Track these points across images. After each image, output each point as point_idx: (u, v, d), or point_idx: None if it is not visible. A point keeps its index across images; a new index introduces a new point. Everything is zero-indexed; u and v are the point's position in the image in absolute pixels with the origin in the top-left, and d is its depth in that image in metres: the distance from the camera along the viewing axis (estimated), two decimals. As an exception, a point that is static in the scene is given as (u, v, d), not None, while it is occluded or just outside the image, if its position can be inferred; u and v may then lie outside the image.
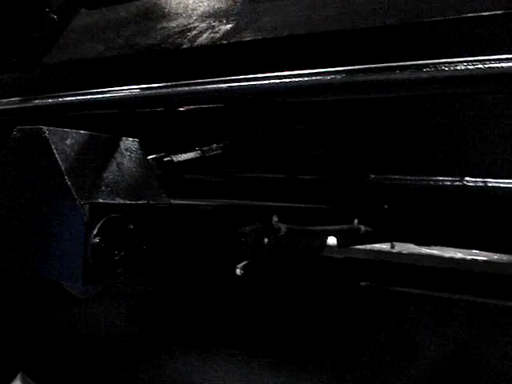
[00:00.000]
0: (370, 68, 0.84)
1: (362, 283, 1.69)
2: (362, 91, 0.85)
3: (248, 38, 1.55)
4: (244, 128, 1.57)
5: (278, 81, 0.94)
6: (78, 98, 1.21)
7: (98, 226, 0.86)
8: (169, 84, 1.09)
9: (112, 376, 2.56)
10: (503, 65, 0.74)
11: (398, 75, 0.80)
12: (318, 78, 0.88)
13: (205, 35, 1.67)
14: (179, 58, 1.69)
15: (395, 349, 1.90)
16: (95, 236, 0.85)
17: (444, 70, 0.76)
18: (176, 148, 1.25)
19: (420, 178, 1.50)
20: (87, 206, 0.85)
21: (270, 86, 0.95)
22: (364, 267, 1.79)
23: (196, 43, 1.65)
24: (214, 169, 1.56)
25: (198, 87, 1.04)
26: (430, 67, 0.77)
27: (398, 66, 0.81)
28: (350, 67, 0.85)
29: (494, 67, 0.74)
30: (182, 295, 2.23)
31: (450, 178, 1.45)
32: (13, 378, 2.72)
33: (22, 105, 1.32)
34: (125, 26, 1.88)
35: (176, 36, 1.73)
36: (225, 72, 1.58)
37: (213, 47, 1.61)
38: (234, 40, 1.57)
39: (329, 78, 0.85)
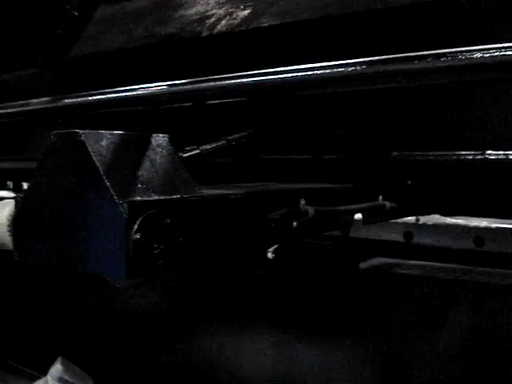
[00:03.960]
0: (390, 59, 0.86)
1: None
2: (381, 82, 0.88)
3: (266, 24, 1.58)
4: (265, 112, 1.61)
5: (302, 73, 0.97)
6: (106, 96, 1.25)
7: (138, 222, 0.90)
8: (195, 80, 1.13)
9: (148, 354, 2.63)
10: None
11: (416, 65, 0.83)
12: (340, 69, 0.91)
13: (223, 22, 1.70)
14: (199, 46, 1.72)
15: (424, 319, 1.94)
16: (135, 232, 0.90)
17: (461, 58, 0.79)
18: (201, 139, 1.28)
19: (442, 152, 1.53)
20: (126, 205, 0.89)
21: (295, 79, 0.98)
22: (387, 245, 1.83)
23: (215, 30, 1.68)
24: (239, 154, 1.60)
25: (224, 82, 1.08)
26: (447, 56, 0.80)
27: (416, 55, 0.84)
28: (369, 58, 0.88)
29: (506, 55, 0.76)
30: (215, 276, 2.29)
31: (472, 152, 1.48)
32: (53, 361, 2.80)
33: (53, 104, 1.37)
34: (143, 16, 1.91)
35: (195, 24, 1.77)
36: (245, 58, 1.61)
37: (232, 34, 1.64)
38: (253, 26, 1.60)
39: (350, 69, 0.88)
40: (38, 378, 2.73)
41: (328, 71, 0.91)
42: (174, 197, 0.99)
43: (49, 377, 2.78)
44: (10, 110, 1.45)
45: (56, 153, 0.99)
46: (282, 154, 1.60)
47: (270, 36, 1.57)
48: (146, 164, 1.01)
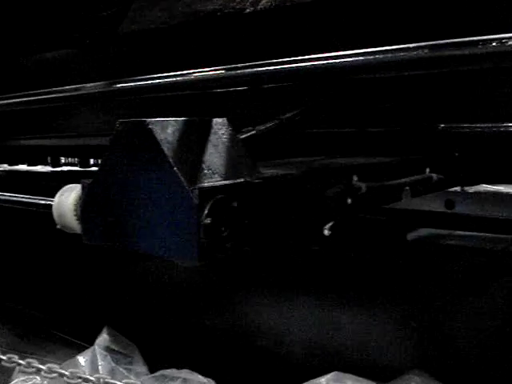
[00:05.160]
0: (449, 43, 0.87)
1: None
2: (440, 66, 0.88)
3: (310, -1, 1.58)
4: (314, 89, 1.61)
5: (358, 58, 0.97)
6: (160, 81, 1.27)
7: (207, 207, 0.93)
8: (252, 64, 1.14)
9: (193, 323, 2.69)
10: None
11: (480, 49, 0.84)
12: (399, 54, 0.92)
13: (266, -2, 1.70)
14: (243, 23, 1.73)
15: (465, 285, 1.95)
16: (206, 217, 0.93)
17: None
18: (254, 120, 1.30)
19: (488, 124, 1.53)
20: (196, 191, 0.92)
21: (352, 63, 0.99)
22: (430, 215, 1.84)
23: (259, 6, 1.68)
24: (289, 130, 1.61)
25: (281, 67, 1.09)
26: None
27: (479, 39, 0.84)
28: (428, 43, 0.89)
29: None
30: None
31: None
32: (99, 331, 2.87)
33: (105, 88, 1.39)
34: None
35: (237, 0, 1.77)
36: (289, 34, 1.62)
37: (276, 9, 1.64)
38: (298, 1, 1.60)
39: (413, 53, 0.89)
40: (86, 348, 2.79)
41: (388, 55, 0.92)
42: (240, 181, 1.02)
43: (96, 347, 2.83)
44: (64, 94, 1.49)
45: (123, 140, 1.02)
46: (330, 128, 1.61)
47: (316, 11, 1.57)
48: (210, 148, 1.04)
